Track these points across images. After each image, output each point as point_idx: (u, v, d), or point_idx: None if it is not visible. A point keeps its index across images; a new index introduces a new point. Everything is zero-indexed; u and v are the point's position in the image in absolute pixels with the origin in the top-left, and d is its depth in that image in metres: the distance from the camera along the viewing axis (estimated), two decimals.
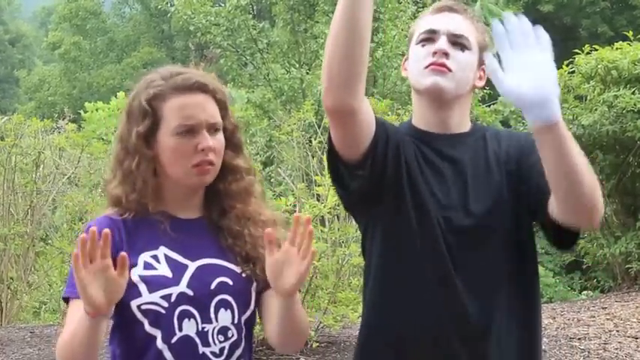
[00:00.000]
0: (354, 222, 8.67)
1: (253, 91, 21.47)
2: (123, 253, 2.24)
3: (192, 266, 2.45)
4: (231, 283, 2.49)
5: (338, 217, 8.16)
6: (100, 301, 2.21)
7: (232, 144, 2.55)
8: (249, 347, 2.57)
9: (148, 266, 2.42)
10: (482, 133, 2.69)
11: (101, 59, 46.29)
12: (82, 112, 26.75)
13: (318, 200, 7.70)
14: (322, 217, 7.53)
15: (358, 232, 7.95)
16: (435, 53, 2.55)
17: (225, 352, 2.46)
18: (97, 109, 26.62)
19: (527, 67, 2.22)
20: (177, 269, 2.44)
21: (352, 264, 7.46)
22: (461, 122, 2.66)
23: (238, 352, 2.50)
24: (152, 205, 2.46)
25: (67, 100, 40.26)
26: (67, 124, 11.94)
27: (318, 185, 7.62)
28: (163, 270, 2.43)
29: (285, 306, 2.42)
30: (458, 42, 2.55)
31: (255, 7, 26.91)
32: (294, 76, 21.04)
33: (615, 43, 10.36)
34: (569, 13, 36.18)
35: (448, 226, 2.52)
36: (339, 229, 7.70)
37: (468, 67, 2.56)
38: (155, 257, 2.44)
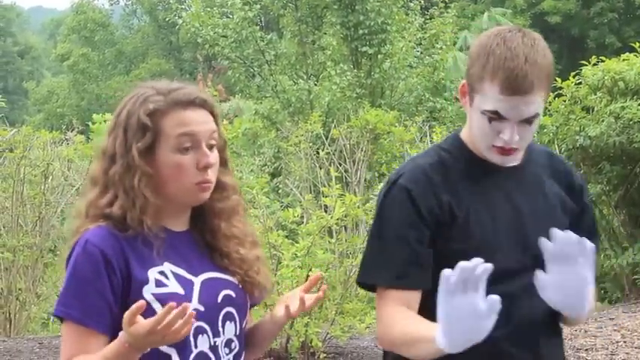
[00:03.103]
0: (361, 233, 8.69)
1: (261, 103, 21.50)
2: (142, 302, 2.20)
3: (197, 281, 2.44)
4: (234, 295, 2.51)
5: (345, 228, 8.19)
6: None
7: (222, 160, 2.51)
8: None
9: (159, 284, 2.37)
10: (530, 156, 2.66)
11: (109, 71, 46.49)
12: (90, 123, 26.87)
13: (326, 211, 7.72)
14: (329, 228, 7.54)
15: (365, 243, 7.97)
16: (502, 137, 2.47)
17: None
18: (105, 121, 26.67)
19: (564, 286, 2.38)
20: (187, 285, 2.42)
21: None
22: None
23: None
24: (151, 222, 2.39)
25: (76, 112, 40.39)
26: (75, 135, 11.99)
27: (326, 196, 7.64)
28: (174, 287, 2.39)
29: (273, 329, 2.61)
30: (530, 121, 2.44)
31: (262, 19, 27.01)
32: (301, 88, 21.07)
33: (622, 55, 10.37)
34: (576, 25, 36.22)
35: None
36: (346, 240, 7.72)
37: (534, 130, 2.50)
38: (163, 273, 2.40)
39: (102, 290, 2.31)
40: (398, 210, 2.55)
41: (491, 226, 2.54)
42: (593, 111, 10.19)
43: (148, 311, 2.29)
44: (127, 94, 2.48)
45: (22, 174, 9.76)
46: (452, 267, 2.24)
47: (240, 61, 22.59)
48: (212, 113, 2.45)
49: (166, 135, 2.37)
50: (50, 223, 10.17)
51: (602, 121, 9.77)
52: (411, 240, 2.53)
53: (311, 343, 7.08)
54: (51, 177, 10.32)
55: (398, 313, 2.50)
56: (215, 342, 2.44)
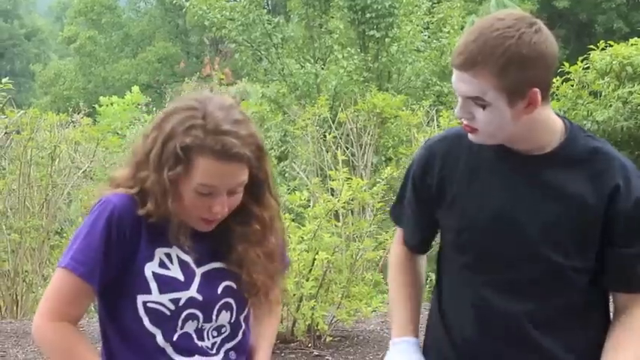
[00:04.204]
0: (367, 217, 8.69)
1: (268, 86, 21.49)
2: None
3: (200, 271, 2.48)
4: (235, 286, 2.53)
5: (352, 211, 8.19)
6: None
7: (255, 192, 2.50)
8: (247, 340, 2.63)
9: (162, 264, 2.43)
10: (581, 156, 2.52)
11: (116, 53, 46.43)
12: (97, 106, 26.89)
13: (332, 195, 7.72)
14: (336, 211, 7.54)
15: (372, 226, 7.99)
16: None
17: (216, 345, 2.52)
18: (111, 104, 26.74)
19: None
20: (188, 273, 2.45)
21: (366, 259, 7.48)
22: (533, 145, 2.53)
23: (228, 345, 2.55)
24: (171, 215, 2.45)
25: (82, 95, 40.41)
26: (82, 118, 12.00)
27: (333, 180, 7.64)
28: (175, 272, 2.44)
29: None
30: (475, 102, 2.40)
31: (269, 2, 26.96)
32: (308, 71, 21.04)
33: (630, 39, 10.34)
34: (584, 9, 36.08)
35: None
36: (352, 224, 7.72)
37: (494, 121, 2.40)
38: (168, 256, 2.44)
39: (109, 253, 2.38)
40: (410, 170, 2.75)
41: (478, 210, 2.53)
42: (600, 96, 10.16)
43: (145, 289, 2.40)
44: (179, 101, 2.46)
45: (29, 156, 9.77)
46: (444, 238, 2.64)
47: (248, 45, 22.59)
48: (249, 164, 2.40)
49: (192, 175, 2.36)
50: (57, 205, 10.18)
51: (610, 105, 9.76)
52: (406, 201, 2.78)
53: (317, 326, 7.08)
54: (58, 159, 10.32)
55: (398, 274, 2.84)
56: (203, 326, 2.48)
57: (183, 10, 26.99)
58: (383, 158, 13.98)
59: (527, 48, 2.32)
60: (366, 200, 7.86)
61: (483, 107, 2.38)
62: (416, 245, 2.83)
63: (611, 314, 2.59)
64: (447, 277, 2.68)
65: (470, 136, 2.49)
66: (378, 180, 8.27)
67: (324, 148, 11.72)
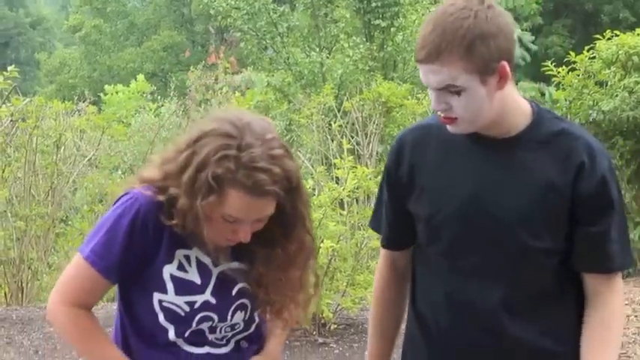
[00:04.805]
0: (372, 205, 8.69)
1: (273, 75, 21.46)
2: None
3: (215, 272, 2.48)
4: (250, 288, 2.53)
5: (357, 200, 8.20)
6: None
7: (282, 223, 2.46)
8: (260, 330, 2.63)
9: (180, 267, 2.44)
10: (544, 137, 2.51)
11: (121, 42, 46.39)
12: (102, 94, 26.92)
13: (338, 183, 7.73)
14: (341, 200, 7.54)
15: None
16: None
17: (227, 339, 2.54)
18: (117, 92, 26.79)
19: None
20: (205, 275, 2.46)
21: (371, 247, 7.48)
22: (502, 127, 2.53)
23: (239, 336, 2.56)
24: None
25: (88, 83, 40.40)
26: (87, 106, 11.99)
27: (338, 168, 7.64)
28: (193, 275, 2.45)
29: None
30: (449, 91, 2.38)
31: None
32: (313, 60, 21.02)
33: (637, 29, 10.30)
34: None
35: None
36: (357, 212, 7.73)
37: (471, 104, 2.38)
38: (187, 258, 2.45)
39: (128, 253, 2.40)
40: (385, 168, 2.77)
41: (448, 195, 2.52)
42: (606, 85, 10.13)
43: (162, 288, 2.42)
44: (217, 121, 2.39)
45: (35, 144, 9.77)
46: (417, 231, 2.63)
47: (253, 33, 22.57)
48: (278, 197, 2.36)
49: (223, 204, 2.32)
50: (62, 193, 10.20)
51: (616, 95, 9.72)
52: (383, 201, 2.77)
53: (322, 314, 7.10)
54: (63, 147, 10.34)
55: (379, 292, 2.86)
56: (217, 325, 2.50)
57: None
58: (388, 147, 13.96)
59: (486, 24, 2.33)
60: (371, 189, 7.86)
61: (458, 93, 2.37)
62: (396, 245, 2.78)
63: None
64: (420, 269, 2.68)
65: (449, 127, 2.47)
66: (382, 169, 8.27)
67: (329, 137, 11.72)
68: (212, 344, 2.50)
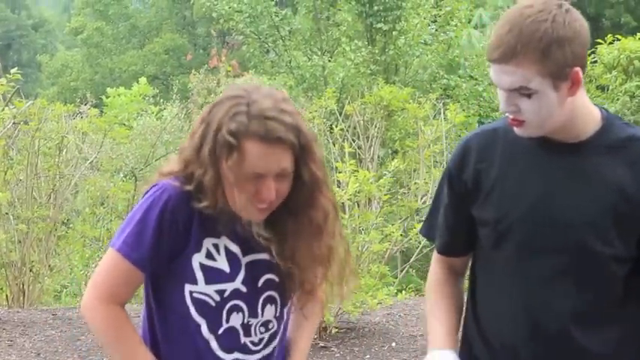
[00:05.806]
0: (374, 209, 8.69)
1: (275, 78, 21.49)
2: None
3: (244, 261, 2.50)
4: (277, 280, 2.55)
5: (358, 204, 8.18)
6: None
7: (303, 189, 2.48)
8: (285, 330, 2.66)
9: (209, 255, 2.46)
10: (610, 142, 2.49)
11: (123, 45, 46.40)
12: (104, 97, 26.91)
13: (339, 187, 7.72)
14: (342, 203, 7.55)
15: (378, 219, 8.00)
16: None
17: (264, 341, 2.55)
18: (118, 95, 26.78)
19: None
20: (234, 264, 2.48)
21: (372, 251, 7.49)
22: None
23: (275, 341, 2.59)
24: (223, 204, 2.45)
25: (89, 86, 40.35)
26: (89, 109, 12.00)
27: (339, 172, 7.64)
28: (222, 263, 2.47)
29: None
30: (520, 93, 2.37)
31: None
32: (315, 64, 21.03)
33: (638, 33, 10.32)
34: (592, 3, 35.96)
35: None
36: (359, 216, 7.72)
37: (542, 108, 2.37)
38: (216, 247, 2.47)
39: (159, 244, 2.42)
40: (445, 173, 2.72)
41: (516, 199, 2.50)
42: (608, 90, 10.16)
43: (191, 279, 2.45)
44: (226, 91, 2.46)
45: (37, 146, 9.78)
46: (480, 237, 2.59)
47: (255, 37, 22.61)
48: (293, 150, 2.39)
49: (244, 160, 2.36)
50: (64, 196, 10.20)
51: (617, 99, 9.75)
52: (441, 206, 2.73)
53: (323, 318, 7.10)
54: (65, 150, 10.35)
55: (436, 285, 2.79)
56: (249, 322, 2.51)
57: (191, 1, 27.06)
58: (390, 151, 13.98)
59: (563, 28, 2.31)
60: (373, 193, 7.87)
61: (529, 96, 2.35)
62: (452, 251, 2.77)
63: None
64: (483, 279, 2.65)
65: (516, 130, 2.45)
66: (384, 173, 8.28)
67: (330, 141, 11.68)
68: (244, 350, 2.52)
